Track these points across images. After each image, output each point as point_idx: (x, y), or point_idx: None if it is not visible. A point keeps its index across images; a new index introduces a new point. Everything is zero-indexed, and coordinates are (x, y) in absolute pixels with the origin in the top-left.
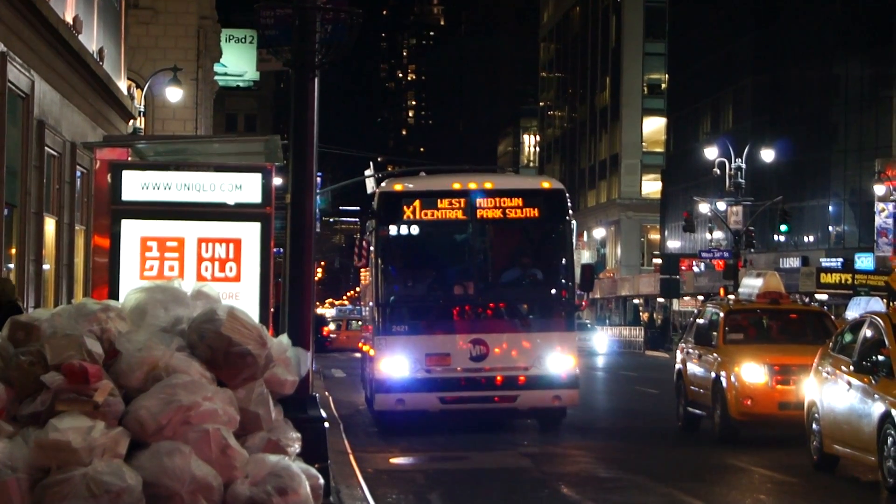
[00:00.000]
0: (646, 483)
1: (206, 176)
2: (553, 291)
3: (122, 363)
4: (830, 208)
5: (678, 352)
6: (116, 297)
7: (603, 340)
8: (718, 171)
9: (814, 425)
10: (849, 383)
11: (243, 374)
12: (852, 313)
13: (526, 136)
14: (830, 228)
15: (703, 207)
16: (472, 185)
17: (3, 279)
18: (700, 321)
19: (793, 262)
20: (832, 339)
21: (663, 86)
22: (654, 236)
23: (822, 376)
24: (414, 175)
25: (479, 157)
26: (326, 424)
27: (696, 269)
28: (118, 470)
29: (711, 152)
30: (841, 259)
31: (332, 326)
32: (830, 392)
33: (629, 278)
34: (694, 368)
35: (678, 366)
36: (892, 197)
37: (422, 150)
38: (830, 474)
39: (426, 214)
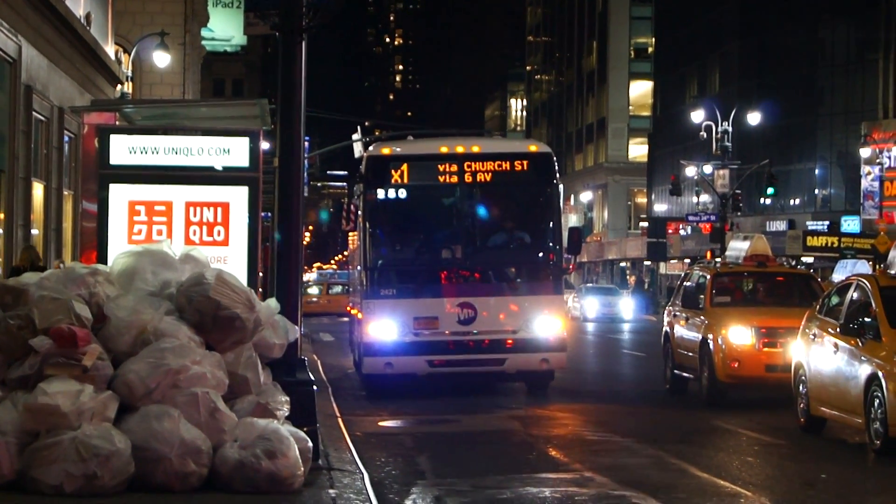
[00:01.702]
0: (633, 445)
1: (194, 140)
2: (541, 255)
3: (110, 327)
4: (817, 171)
5: (665, 315)
6: (105, 262)
7: (628, 306)
8: (705, 135)
9: (801, 387)
10: (836, 345)
11: (232, 338)
12: (839, 276)
13: (513, 101)
14: (817, 191)
15: (690, 171)
16: (460, 149)
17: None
18: (687, 284)
19: (779, 226)
20: (819, 302)
21: (650, 49)
22: (641, 200)
23: (809, 339)
24: (402, 139)
25: (467, 121)
26: (315, 388)
27: (682, 232)
28: (107, 433)
29: (698, 116)
30: (827, 222)
31: (314, 290)
32: (817, 354)
33: (616, 242)
34: (681, 331)
35: (665, 329)
36: (877, 160)
37: (409, 114)
38: (817, 436)
39: (414, 178)
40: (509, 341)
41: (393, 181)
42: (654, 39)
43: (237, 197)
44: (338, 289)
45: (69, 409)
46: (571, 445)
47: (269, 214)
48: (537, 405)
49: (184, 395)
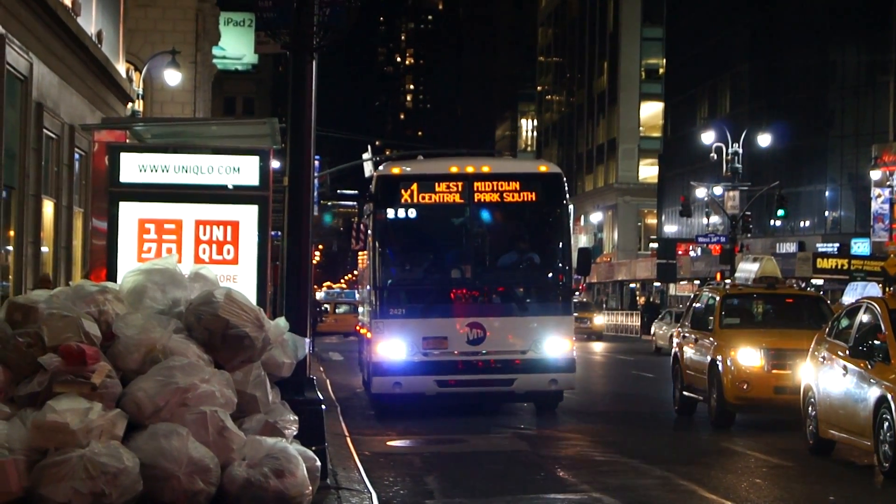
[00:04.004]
0: (641, 466)
1: (204, 158)
2: (550, 275)
3: (119, 345)
4: (827, 193)
5: (674, 336)
6: (114, 280)
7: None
8: (715, 156)
9: (810, 410)
10: (845, 368)
11: (241, 357)
12: (849, 298)
13: (524, 121)
14: (827, 213)
15: (700, 192)
16: (470, 169)
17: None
18: (696, 305)
19: (789, 247)
20: (828, 325)
21: (661, 71)
22: (651, 221)
23: (818, 361)
24: (412, 159)
25: (477, 141)
26: (324, 407)
27: (692, 253)
28: (115, 451)
29: (708, 137)
30: (837, 244)
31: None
32: (826, 377)
33: (626, 263)
34: (690, 353)
35: (674, 350)
36: (888, 182)
37: (420, 134)
38: (826, 458)
39: (424, 198)
40: (518, 362)
41: (403, 201)
42: (664, 61)
43: (247, 215)
44: (345, 308)
45: (78, 427)
46: (580, 466)
47: (279, 233)
48: (545, 425)
49: (192, 413)
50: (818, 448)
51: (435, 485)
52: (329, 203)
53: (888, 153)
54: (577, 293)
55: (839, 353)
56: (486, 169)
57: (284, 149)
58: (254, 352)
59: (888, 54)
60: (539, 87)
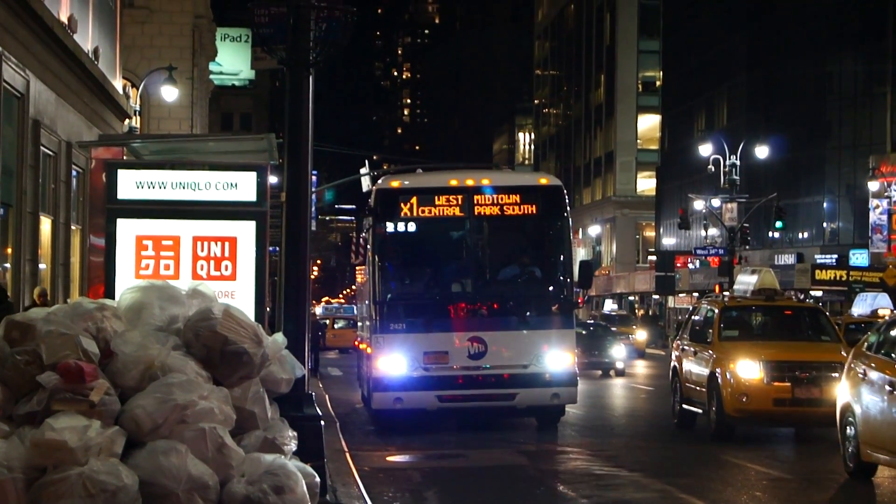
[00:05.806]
0: (641, 480)
1: (202, 174)
2: (551, 289)
3: (117, 362)
4: (825, 205)
5: (673, 349)
6: (112, 297)
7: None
8: (713, 168)
9: (848, 430)
10: (892, 384)
11: (239, 373)
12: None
13: (521, 134)
14: (825, 225)
15: (698, 204)
16: (470, 182)
17: None
18: (695, 318)
19: (787, 259)
20: (865, 339)
21: (658, 83)
22: (650, 233)
23: (857, 378)
24: (411, 172)
25: (475, 155)
26: (322, 423)
27: (691, 265)
28: (114, 469)
29: (706, 149)
30: (835, 256)
31: None
32: (869, 395)
33: (624, 275)
34: (689, 365)
35: (673, 363)
36: (885, 193)
37: (417, 148)
38: (834, 474)
39: (423, 211)
40: (519, 376)
41: (402, 214)
42: (661, 73)
43: (244, 231)
44: (343, 323)
45: (76, 445)
46: (580, 480)
47: (277, 249)
48: (546, 440)
49: (191, 430)
50: (859, 472)
51: (434, 500)
52: (327, 218)
53: (886, 164)
54: (578, 306)
55: (884, 368)
56: (485, 182)
57: (282, 164)
58: (252, 368)
59: (885, 65)
60: (536, 101)
